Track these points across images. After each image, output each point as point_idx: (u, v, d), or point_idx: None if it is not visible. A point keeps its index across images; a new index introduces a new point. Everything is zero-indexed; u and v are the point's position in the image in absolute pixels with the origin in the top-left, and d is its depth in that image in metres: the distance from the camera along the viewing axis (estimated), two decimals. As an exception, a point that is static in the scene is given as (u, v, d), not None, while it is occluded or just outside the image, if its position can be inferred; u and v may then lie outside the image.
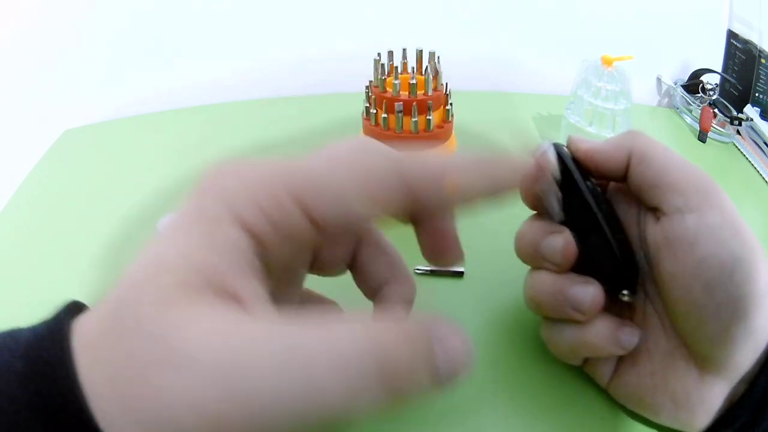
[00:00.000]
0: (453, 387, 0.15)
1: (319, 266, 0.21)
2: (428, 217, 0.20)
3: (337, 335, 0.14)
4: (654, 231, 0.23)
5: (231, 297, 0.15)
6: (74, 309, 0.17)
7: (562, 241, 0.24)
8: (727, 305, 0.21)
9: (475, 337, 0.30)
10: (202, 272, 0.15)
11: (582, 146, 0.25)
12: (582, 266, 0.24)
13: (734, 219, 0.22)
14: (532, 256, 0.26)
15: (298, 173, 0.16)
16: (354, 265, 0.22)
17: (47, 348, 0.15)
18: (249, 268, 0.16)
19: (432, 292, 0.33)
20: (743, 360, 0.21)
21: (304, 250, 0.19)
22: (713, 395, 0.22)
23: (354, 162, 0.17)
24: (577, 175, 0.24)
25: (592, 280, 0.24)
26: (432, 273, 0.34)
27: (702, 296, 0.21)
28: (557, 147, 0.25)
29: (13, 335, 0.16)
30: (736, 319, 0.20)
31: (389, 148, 0.17)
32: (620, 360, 0.25)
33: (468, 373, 0.15)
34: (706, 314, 0.21)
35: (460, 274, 0.34)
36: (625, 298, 0.24)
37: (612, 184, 0.27)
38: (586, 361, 0.26)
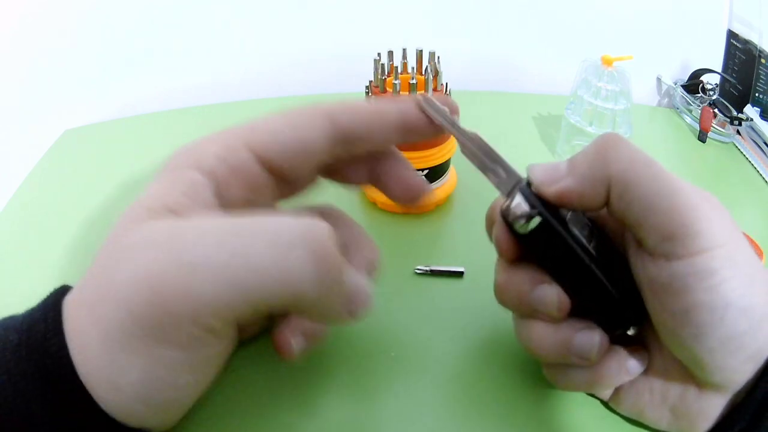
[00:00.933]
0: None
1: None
2: (380, 167, 0.24)
3: (271, 219, 0.17)
4: (639, 265, 0.21)
5: (180, 214, 0.18)
6: (65, 290, 0.19)
7: (555, 294, 0.22)
8: (719, 347, 0.19)
9: (475, 338, 0.30)
10: (164, 203, 0.18)
11: (550, 190, 0.21)
12: (578, 309, 0.22)
13: (730, 254, 0.19)
14: (521, 308, 0.24)
15: (248, 127, 0.21)
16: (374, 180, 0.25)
17: (41, 322, 0.18)
18: (203, 200, 0.19)
19: (432, 292, 0.33)
20: (743, 377, 0.20)
21: (264, 195, 0.22)
22: (712, 406, 0.22)
23: (290, 112, 0.21)
24: (556, 226, 0.21)
25: (593, 324, 0.22)
26: (432, 273, 0.34)
27: (691, 342, 0.20)
28: (525, 193, 0.21)
29: (13, 316, 0.19)
30: (731, 355, 0.20)
31: (326, 101, 0.21)
32: None
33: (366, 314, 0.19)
34: (700, 352, 0.20)
35: (460, 274, 0.34)
36: (631, 332, 0.23)
37: None
38: None
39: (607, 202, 0.21)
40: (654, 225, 0.19)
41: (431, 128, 0.23)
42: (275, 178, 0.21)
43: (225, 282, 0.15)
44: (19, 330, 0.17)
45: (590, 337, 0.22)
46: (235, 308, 0.16)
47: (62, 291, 0.19)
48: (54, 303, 0.18)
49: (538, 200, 0.21)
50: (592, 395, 0.26)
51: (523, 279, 0.23)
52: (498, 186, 0.23)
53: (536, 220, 0.21)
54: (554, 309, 0.22)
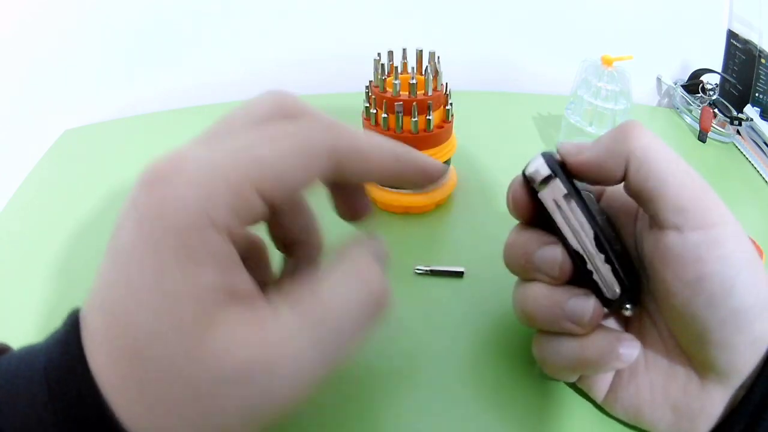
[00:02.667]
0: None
1: None
2: (344, 185, 0.22)
3: (343, 303, 0.17)
4: (651, 241, 0.22)
5: (240, 299, 0.16)
6: (77, 322, 0.17)
7: (559, 253, 0.23)
8: (730, 319, 0.20)
9: (475, 338, 0.30)
10: (208, 290, 0.15)
11: (575, 159, 0.23)
12: (579, 278, 0.23)
13: (735, 231, 0.21)
14: (524, 267, 0.25)
15: (255, 164, 0.17)
16: (271, 220, 0.23)
17: (68, 381, 0.15)
18: (236, 263, 0.16)
19: (432, 292, 0.33)
20: (746, 366, 0.21)
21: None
22: (714, 403, 0.22)
23: (296, 141, 0.18)
24: (573, 194, 0.22)
25: (590, 292, 0.23)
26: (432, 273, 0.34)
27: (703, 312, 0.20)
28: (547, 158, 0.23)
29: (29, 363, 0.16)
30: (739, 330, 0.20)
31: (323, 119, 0.19)
32: (617, 374, 0.25)
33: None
34: (709, 327, 0.20)
35: (460, 275, 0.34)
36: (628, 313, 0.23)
37: (608, 188, 0.26)
38: (581, 376, 0.26)
39: (623, 178, 0.22)
40: (669, 196, 0.21)
41: (420, 181, 0.22)
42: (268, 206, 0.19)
43: (321, 379, 0.16)
44: (46, 383, 0.15)
45: (584, 302, 0.23)
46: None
47: (76, 328, 0.16)
48: (80, 362, 0.15)
49: (559, 167, 0.23)
50: (589, 399, 0.26)
51: (531, 239, 0.24)
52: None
53: (556, 182, 0.23)
54: (556, 268, 0.23)
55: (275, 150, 0.17)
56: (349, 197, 0.23)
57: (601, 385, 0.25)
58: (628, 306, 0.23)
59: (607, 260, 0.22)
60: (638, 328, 0.24)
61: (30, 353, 0.16)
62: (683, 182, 0.21)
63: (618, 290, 0.23)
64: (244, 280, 0.17)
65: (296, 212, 0.23)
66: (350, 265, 0.18)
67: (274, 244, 0.24)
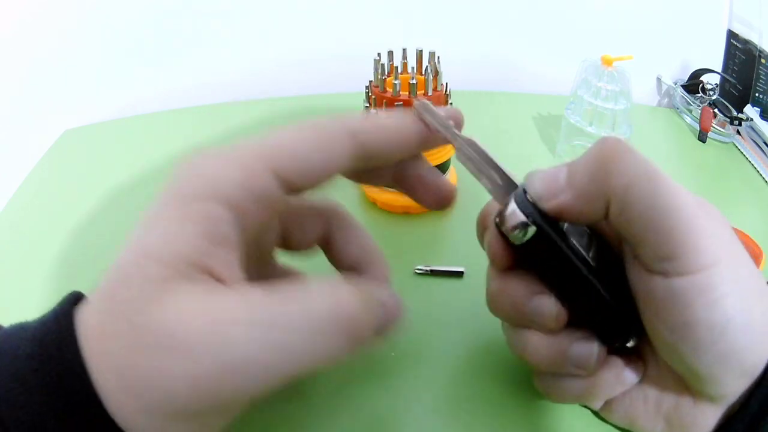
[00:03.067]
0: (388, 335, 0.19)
1: (289, 243, 0.23)
2: (408, 174, 0.23)
3: (301, 304, 0.17)
4: (637, 278, 0.20)
5: (211, 275, 0.17)
6: (76, 299, 0.18)
7: (553, 305, 0.22)
8: (718, 361, 0.19)
9: (475, 337, 0.30)
10: (182, 256, 0.16)
11: (550, 204, 0.20)
12: (576, 320, 0.22)
13: (731, 270, 0.19)
14: (515, 318, 0.23)
15: (270, 145, 0.18)
16: (328, 246, 0.24)
17: (54, 333, 0.16)
18: (226, 241, 0.17)
19: (432, 292, 0.33)
20: (738, 391, 0.20)
21: (274, 218, 0.21)
22: (706, 416, 0.21)
23: (313, 129, 0.19)
24: (553, 236, 0.20)
25: (591, 334, 0.22)
26: (432, 273, 0.34)
27: (691, 355, 0.19)
28: (520, 201, 0.21)
29: (23, 325, 0.18)
30: (729, 369, 0.19)
31: (346, 115, 0.20)
32: None
33: (400, 326, 0.19)
34: (697, 365, 0.19)
35: (460, 275, 0.34)
36: (630, 344, 0.22)
37: None
38: None
39: (606, 215, 0.20)
40: (653, 243, 0.19)
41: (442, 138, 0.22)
42: (289, 191, 0.20)
43: (270, 376, 0.16)
44: (31, 340, 0.17)
45: (588, 348, 0.22)
46: (275, 387, 0.17)
47: (74, 298, 0.18)
48: (66, 319, 0.17)
49: (535, 209, 0.20)
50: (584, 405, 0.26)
51: (518, 288, 0.22)
52: (493, 192, 0.22)
53: (532, 230, 0.20)
54: (552, 321, 0.22)
55: (293, 133, 0.18)
56: (421, 182, 0.23)
57: (597, 402, 0.24)
58: (630, 343, 0.22)
59: (600, 299, 0.21)
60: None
61: (25, 323, 0.18)
62: (671, 226, 0.18)
63: (616, 326, 0.22)
64: (224, 260, 0.17)
65: (349, 234, 0.23)
66: (329, 284, 0.17)
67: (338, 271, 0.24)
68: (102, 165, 0.46)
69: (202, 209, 0.17)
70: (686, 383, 0.21)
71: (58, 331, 0.17)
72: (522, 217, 0.20)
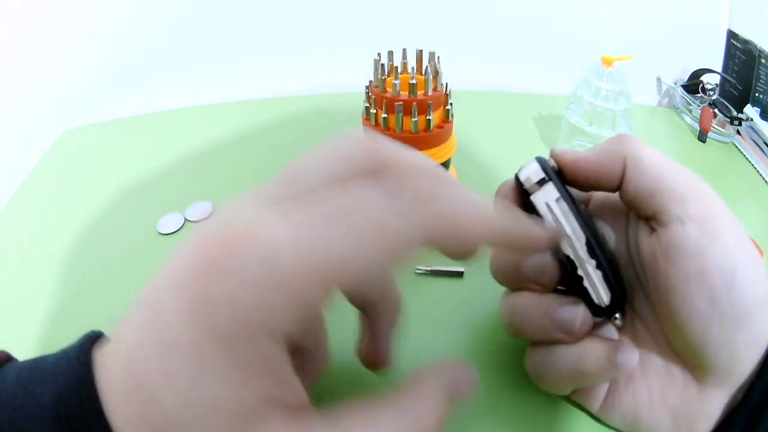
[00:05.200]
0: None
1: None
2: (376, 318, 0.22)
3: None
4: (650, 242, 0.22)
5: (287, 408, 0.15)
6: (92, 340, 0.16)
7: (549, 261, 0.23)
8: (731, 314, 0.20)
9: (475, 337, 0.30)
10: (253, 398, 0.14)
11: (572, 159, 0.23)
12: (568, 286, 0.23)
13: (735, 226, 0.21)
14: (513, 276, 0.25)
15: (328, 266, 0.14)
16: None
17: (77, 417, 0.14)
18: (288, 374, 0.15)
19: (432, 292, 0.33)
20: (745, 366, 0.21)
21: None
22: (713, 405, 0.22)
23: (387, 240, 0.15)
24: (566, 198, 0.22)
25: (579, 300, 0.23)
26: (432, 273, 0.34)
27: (705, 306, 0.20)
28: (542, 162, 0.23)
29: (42, 369, 0.15)
30: (740, 327, 0.20)
31: (420, 189, 0.16)
32: (613, 380, 0.24)
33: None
34: (710, 324, 0.20)
35: (460, 274, 0.34)
36: (617, 322, 0.23)
37: (595, 197, 0.25)
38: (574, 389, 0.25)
39: (619, 184, 0.22)
40: (668, 190, 0.21)
41: (526, 250, 0.24)
42: None
43: None
44: (46, 405, 0.15)
45: (574, 311, 0.23)
46: None
47: (90, 343, 0.16)
48: (92, 406, 0.14)
49: (553, 171, 0.23)
50: (583, 408, 0.26)
51: None
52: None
53: (549, 185, 0.23)
54: (545, 275, 0.23)
55: (359, 248, 0.14)
56: (377, 338, 0.23)
57: (596, 393, 0.24)
58: (617, 315, 0.23)
59: (599, 266, 0.22)
60: (632, 333, 0.24)
61: (37, 378, 0.15)
62: (680, 175, 0.22)
63: (608, 298, 0.22)
64: (293, 390, 0.15)
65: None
66: (412, 404, 0.16)
67: (350, 302, 0.23)
68: (102, 165, 0.46)
69: (252, 350, 0.14)
70: (693, 365, 0.22)
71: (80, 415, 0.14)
72: (541, 173, 0.23)
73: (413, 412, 0.16)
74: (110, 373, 0.15)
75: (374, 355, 0.23)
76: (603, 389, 0.24)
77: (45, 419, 0.14)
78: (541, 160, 0.23)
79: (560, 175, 0.23)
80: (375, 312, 0.23)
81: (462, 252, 0.17)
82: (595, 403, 0.25)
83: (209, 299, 0.14)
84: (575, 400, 0.26)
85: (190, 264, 0.14)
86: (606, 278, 0.22)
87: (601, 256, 0.22)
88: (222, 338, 0.14)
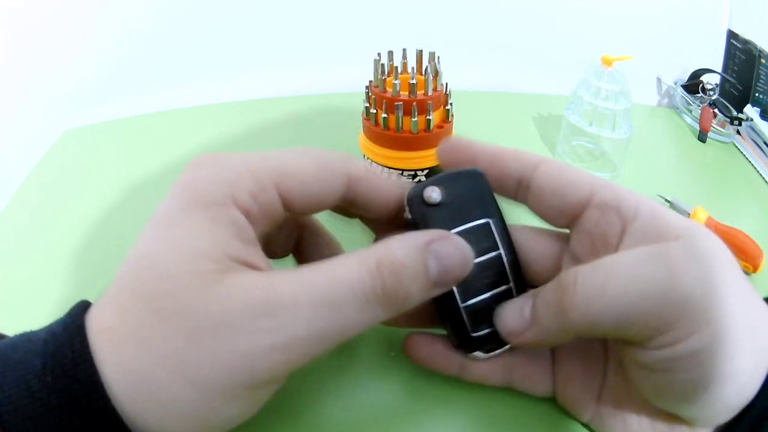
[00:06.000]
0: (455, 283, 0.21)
1: (270, 251, 0.24)
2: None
3: (345, 277, 0.18)
4: (623, 352, 0.21)
5: (252, 267, 0.18)
6: (84, 307, 0.18)
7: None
8: (704, 410, 0.19)
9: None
10: (227, 254, 0.18)
11: (518, 341, 0.22)
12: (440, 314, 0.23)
13: (714, 331, 0.18)
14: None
15: (278, 166, 0.20)
16: (298, 251, 0.26)
17: (64, 345, 0.17)
18: (252, 240, 0.19)
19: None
20: (726, 418, 0.20)
21: (274, 229, 0.22)
22: None
23: (319, 162, 0.21)
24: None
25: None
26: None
27: (675, 406, 0.20)
28: (415, 204, 0.22)
29: (30, 336, 0.18)
30: (716, 415, 0.19)
31: (342, 154, 0.22)
32: (602, 401, 0.24)
33: (465, 273, 0.21)
34: (683, 414, 0.20)
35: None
36: (481, 358, 0.24)
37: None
38: (564, 391, 0.25)
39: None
40: (630, 336, 0.19)
41: None
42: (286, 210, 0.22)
43: (326, 343, 0.18)
44: (42, 353, 0.17)
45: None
46: (321, 355, 0.18)
47: (82, 307, 0.18)
48: (78, 332, 0.17)
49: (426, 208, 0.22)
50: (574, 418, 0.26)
51: None
52: None
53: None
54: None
55: (298, 159, 0.20)
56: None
57: (583, 402, 0.24)
58: (478, 354, 0.23)
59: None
60: (617, 365, 0.23)
61: (31, 333, 0.18)
62: (646, 313, 0.19)
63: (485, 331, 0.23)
64: (258, 255, 0.19)
65: (319, 241, 0.26)
66: (371, 248, 0.19)
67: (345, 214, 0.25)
68: (102, 165, 0.46)
69: (228, 214, 0.18)
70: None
71: (69, 341, 0.17)
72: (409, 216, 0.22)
73: (375, 249, 0.19)
74: (101, 315, 0.18)
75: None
76: (589, 399, 0.24)
77: (32, 348, 0.17)
78: (414, 205, 0.22)
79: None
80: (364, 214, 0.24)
81: (374, 205, 0.22)
82: (584, 414, 0.24)
83: (195, 179, 0.19)
84: (563, 406, 0.25)
85: (181, 175, 0.19)
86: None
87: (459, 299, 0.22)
88: (204, 202, 0.18)
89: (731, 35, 0.57)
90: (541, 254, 0.24)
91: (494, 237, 0.23)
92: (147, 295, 0.17)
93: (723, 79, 0.56)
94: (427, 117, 0.35)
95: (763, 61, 0.52)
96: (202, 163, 0.19)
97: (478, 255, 0.22)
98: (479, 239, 0.22)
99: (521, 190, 0.23)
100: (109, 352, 0.17)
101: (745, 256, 0.36)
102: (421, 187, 0.22)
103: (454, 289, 0.22)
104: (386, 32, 0.57)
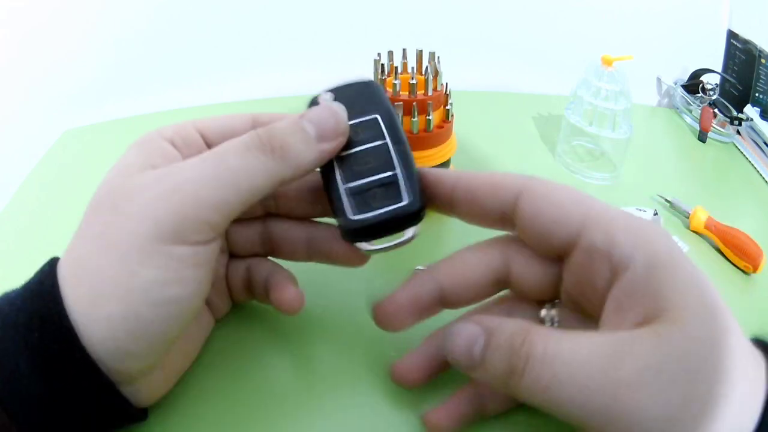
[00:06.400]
0: (333, 145, 0.23)
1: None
2: (320, 247, 0.27)
3: (232, 140, 0.21)
4: None
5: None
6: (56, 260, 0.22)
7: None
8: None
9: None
10: (149, 163, 0.22)
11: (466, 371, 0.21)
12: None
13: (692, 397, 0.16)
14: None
15: (198, 120, 0.25)
16: (249, 284, 0.28)
17: (35, 277, 0.21)
18: (174, 159, 0.23)
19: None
20: None
21: None
22: None
23: (228, 114, 0.26)
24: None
25: None
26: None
27: None
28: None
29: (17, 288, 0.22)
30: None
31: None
32: None
33: (343, 134, 0.23)
34: None
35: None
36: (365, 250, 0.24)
37: None
38: None
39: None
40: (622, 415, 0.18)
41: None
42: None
43: (219, 185, 0.20)
44: (18, 289, 0.21)
45: None
46: (232, 203, 0.21)
47: (57, 258, 0.22)
48: (49, 263, 0.22)
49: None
50: None
51: None
52: None
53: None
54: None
55: (215, 117, 0.25)
56: (334, 250, 0.26)
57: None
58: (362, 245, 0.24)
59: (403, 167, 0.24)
60: None
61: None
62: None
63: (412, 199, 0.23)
64: (171, 162, 0.22)
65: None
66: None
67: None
68: (102, 165, 0.45)
69: (154, 142, 0.23)
70: None
71: (39, 274, 0.21)
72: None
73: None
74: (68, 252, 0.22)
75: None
76: None
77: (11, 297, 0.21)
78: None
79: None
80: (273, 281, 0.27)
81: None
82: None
83: (137, 139, 0.24)
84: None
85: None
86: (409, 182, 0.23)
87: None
88: (138, 142, 0.24)
89: (731, 35, 0.57)
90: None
91: (381, 129, 0.24)
92: (93, 206, 0.22)
93: (723, 79, 0.56)
94: (427, 117, 0.35)
95: (763, 61, 0.52)
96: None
97: (363, 143, 0.24)
98: (366, 132, 0.24)
99: (507, 225, 0.23)
100: (66, 263, 0.21)
101: (745, 256, 0.36)
102: (317, 94, 0.25)
103: (336, 171, 0.23)
104: (386, 32, 0.57)
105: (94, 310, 0.19)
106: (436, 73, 0.36)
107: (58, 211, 0.40)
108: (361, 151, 0.24)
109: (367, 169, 0.23)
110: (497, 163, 0.46)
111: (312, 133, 0.22)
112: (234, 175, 0.21)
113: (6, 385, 0.18)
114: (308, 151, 0.22)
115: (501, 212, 0.22)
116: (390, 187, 0.23)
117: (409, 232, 0.24)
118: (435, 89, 0.36)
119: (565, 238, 0.20)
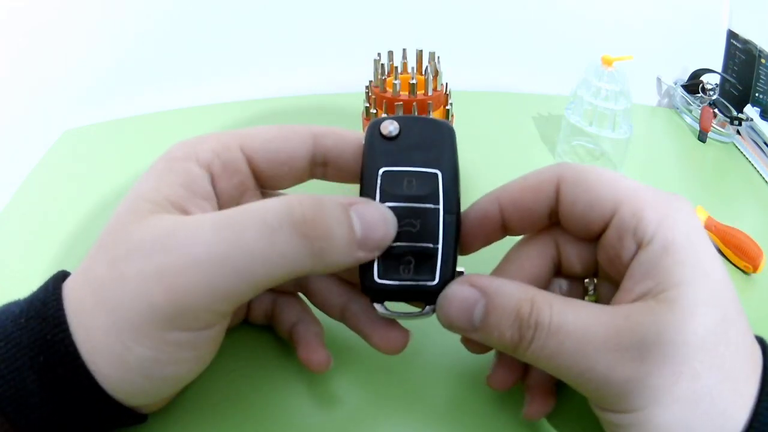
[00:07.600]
0: (369, 257, 0.20)
1: (252, 317, 0.27)
2: (356, 315, 0.24)
3: (256, 205, 0.18)
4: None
5: (184, 211, 0.20)
6: (65, 275, 0.21)
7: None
8: None
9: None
10: (164, 196, 0.19)
11: (461, 334, 0.22)
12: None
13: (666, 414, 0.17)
14: None
15: (243, 132, 0.22)
16: (272, 315, 0.27)
17: (39, 293, 0.20)
18: (200, 192, 0.20)
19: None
20: None
21: (248, 196, 0.23)
22: None
23: (283, 126, 0.22)
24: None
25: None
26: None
27: None
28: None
29: (18, 300, 0.20)
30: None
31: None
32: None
33: (381, 249, 0.20)
34: None
35: (460, 274, 0.34)
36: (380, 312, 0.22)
37: None
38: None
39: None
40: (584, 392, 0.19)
41: None
42: (258, 182, 0.23)
43: (230, 272, 0.17)
44: (20, 304, 0.19)
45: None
46: (243, 293, 0.18)
47: (62, 275, 0.20)
48: (54, 281, 0.20)
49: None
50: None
51: None
52: None
53: None
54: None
55: (264, 127, 0.22)
56: (371, 324, 0.24)
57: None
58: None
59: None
60: None
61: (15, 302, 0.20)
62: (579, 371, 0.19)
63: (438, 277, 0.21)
64: (199, 205, 0.20)
65: (287, 302, 0.27)
66: (284, 196, 0.19)
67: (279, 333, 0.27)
68: (102, 165, 0.46)
69: (183, 166, 0.20)
70: None
71: (44, 294, 0.19)
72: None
73: (288, 197, 0.19)
74: (74, 274, 0.20)
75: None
76: None
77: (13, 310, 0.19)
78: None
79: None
80: (298, 331, 0.26)
81: (345, 156, 0.23)
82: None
83: (172, 146, 0.21)
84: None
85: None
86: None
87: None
88: (167, 161, 0.21)
89: (731, 35, 0.57)
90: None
91: (438, 190, 0.21)
92: (101, 237, 0.19)
93: (723, 79, 0.56)
94: (427, 117, 0.35)
95: (763, 61, 0.52)
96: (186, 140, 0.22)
97: (414, 201, 0.21)
98: (420, 187, 0.21)
99: (554, 218, 0.23)
100: (71, 289, 0.19)
101: (745, 256, 0.36)
102: (382, 118, 0.22)
103: None
104: (386, 32, 0.57)
105: (96, 353, 0.18)
106: (436, 73, 0.36)
107: (58, 212, 0.40)
108: (410, 208, 0.21)
109: (408, 233, 0.21)
110: (497, 163, 0.46)
111: (358, 234, 0.19)
112: (251, 261, 0.17)
113: (13, 402, 0.18)
114: (345, 254, 0.19)
115: (549, 209, 0.22)
116: (426, 260, 0.21)
117: (430, 308, 0.22)
118: (435, 89, 0.36)
119: (600, 220, 0.21)
